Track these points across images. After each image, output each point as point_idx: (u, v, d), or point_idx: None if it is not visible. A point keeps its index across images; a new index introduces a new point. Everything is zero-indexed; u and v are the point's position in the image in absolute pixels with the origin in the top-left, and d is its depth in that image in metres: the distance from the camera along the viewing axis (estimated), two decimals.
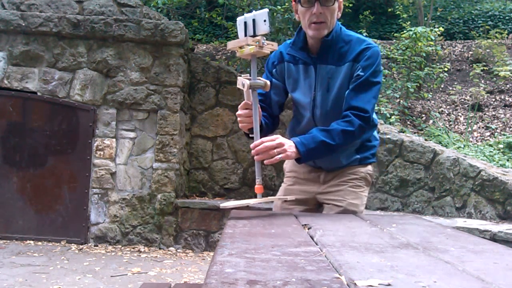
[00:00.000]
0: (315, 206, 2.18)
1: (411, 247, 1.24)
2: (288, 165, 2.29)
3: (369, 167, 2.18)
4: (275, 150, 1.77)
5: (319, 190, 2.15)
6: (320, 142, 1.86)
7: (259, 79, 1.84)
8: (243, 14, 1.83)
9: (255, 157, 1.80)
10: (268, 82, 1.84)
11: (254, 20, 1.78)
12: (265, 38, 1.80)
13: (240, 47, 1.80)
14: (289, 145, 1.81)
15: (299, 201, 2.16)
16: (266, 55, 1.88)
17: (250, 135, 1.93)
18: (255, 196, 1.87)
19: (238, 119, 1.95)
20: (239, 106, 1.93)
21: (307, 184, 2.17)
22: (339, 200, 2.08)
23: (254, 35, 1.79)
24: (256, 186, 1.83)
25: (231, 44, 1.83)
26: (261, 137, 1.84)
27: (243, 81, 1.82)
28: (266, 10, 1.79)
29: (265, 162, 1.79)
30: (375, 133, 2.18)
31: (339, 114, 1.97)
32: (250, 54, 1.80)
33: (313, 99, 2.05)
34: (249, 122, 1.91)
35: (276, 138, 1.79)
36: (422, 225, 1.72)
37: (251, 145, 1.81)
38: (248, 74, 1.86)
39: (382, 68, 2.07)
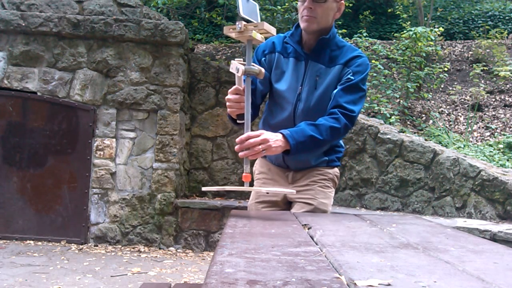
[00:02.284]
0: (286, 206, 2.21)
1: (411, 247, 1.24)
2: (257, 167, 2.29)
3: (336, 170, 2.24)
4: (259, 146, 1.75)
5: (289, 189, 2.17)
6: (309, 136, 1.87)
7: (254, 66, 1.78)
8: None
9: (240, 154, 1.78)
10: (263, 70, 1.80)
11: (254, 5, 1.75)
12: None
13: (234, 29, 1.73)
14: (275, 140, 1.80)
15: (271, 203, 2.18)
16: (260, 43, 1.82)
17: (238, 121, 1.92)
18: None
19: (227, 103, 1.90)
20: (229, 91, 1.89)
21: (276, 185, 2.19)
22: (310, 199, 2.12)
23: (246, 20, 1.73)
24: (244, 174, 1.80)
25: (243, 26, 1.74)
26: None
27: (237, 66, 1.76)
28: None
29: (248, 157, 1.78)
30: (341, 141, 2.26)
31: (319, 112, 2.02)
32: (251, 39, 1.73)
33: (298, 94, 2.07)
34: (238, 108, 1.88)
35: (261, 134, 1.77)
36: (422, 225, 1.72)
37: (237, 140, 1.77)
38: (242, 59, 1.81)
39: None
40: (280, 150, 1.82)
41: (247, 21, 1.74)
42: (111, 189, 5.56)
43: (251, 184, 1.87)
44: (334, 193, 2.24)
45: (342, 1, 2.07)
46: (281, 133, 1.84)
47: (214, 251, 1.11)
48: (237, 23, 1.72)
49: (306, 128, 1.89)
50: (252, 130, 1.81)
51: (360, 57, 2.06)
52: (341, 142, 2.26)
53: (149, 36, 5.54)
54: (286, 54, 2.11)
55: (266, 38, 1.87)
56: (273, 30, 1.77)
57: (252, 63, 1.80)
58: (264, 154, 1.80)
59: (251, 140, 1.75)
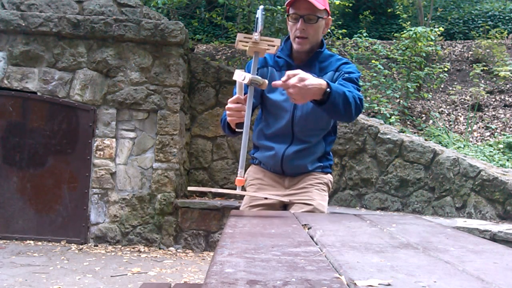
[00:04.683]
0: (281, 209, 2.24)
1: (411, 247, 1.24)
2: (250, 173, 2.33)
3: (330, 176, 2.30)
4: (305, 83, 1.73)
5: (286, 193, 2.21)
6: (344, 92, 1.86)
7: (258, 77, 1.84)
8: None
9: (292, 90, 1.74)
10: (266, 81, 1.85)
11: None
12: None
13: (246, 42, 1.79)
14: (314, 80, 1.78)
15: (266, 206, 2.20)
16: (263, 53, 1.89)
17: (237, 130, 1.96)
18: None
19: (228, 112, 1.94)
20: (230, 100, 1.93)
21: (271, 190, 2.22)
22: (309, 200, 2.17)
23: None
24: (237, 178, 1.82)
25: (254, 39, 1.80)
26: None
27: (244, 74, 1.81)
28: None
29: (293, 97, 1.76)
30: (331, 154, 2.33)
31: (316, 117, 2.10)
32: (259, 52, 1.80)
33: None
34: (238, 117, 1.92)
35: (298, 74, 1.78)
36: (422, 225, 1.72)
37: (289, 73, 1.75)
38: (244, 70, 1.87)
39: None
40: (317, 91, 1.77)
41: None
42: (111, 189, 5.55)
43: (243, 189, 1.91)
44: (328, 197, 2.30)
45: (329, 17, 2.17)
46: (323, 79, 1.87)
47: (214, 251, 1.11)
48: (254, 33, 1.78)
49: (341, 87, 1.90)
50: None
51: (348, 63, 2.16)
52: (331, 155, 2.33)
53: (149, 36, 5.54)
54: (278, 68, 2.19)
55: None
56: (277, 42, 1.84)
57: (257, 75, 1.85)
58: (302, 96, 1.76)
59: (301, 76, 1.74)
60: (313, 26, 2.09)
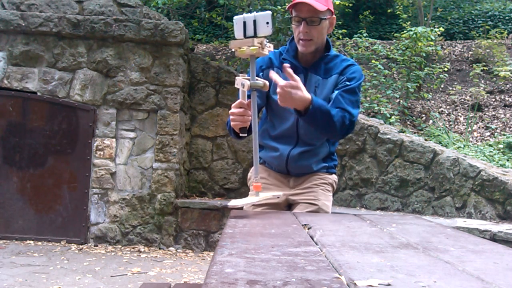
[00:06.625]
0: (286, 209, 2.25)
1: (411, 247, 1.24)
2: (254, 173, 2.32)
3: (334, 176, 2.32)
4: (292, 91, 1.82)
5: (290, 192, 2.22)
6: (328, 110, 1.95)
7: (258, 80, 1.85)
8: (242, 14, 1.85)
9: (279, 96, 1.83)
10: (267, 83, 1.86)
11: (254, 21, 1.79)
12: (267, 40, 1.85)
13: (239, 47, 1.82)
14: (300, 94, 1.87)
15: (271, 205, 2.21)
16: (264, 55, 1.91)
17: (241, 134, 1.96)
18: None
19: (231, 117, 1.94)
20: (233, 105, 1.94)
21: (276, 190, 2.22)
22: (314, 200, 2.17)
23: (255, 36, 1.80)
24: (254, 184, 1.87)
25: (234, 44, 1.84)
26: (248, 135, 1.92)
27: (242, 81, 1.82)
28: (269, 12, 1.82)
29: (281, 102, 1.86)
30: (335, 155, 2.35)
31: None
32: (250, 54, 1.82)
33: None
34: (241, 121, 1.92)
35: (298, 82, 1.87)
36: (422, 225, 1.72)
37: (291, 73, 1.83)
38: (246, 74, 1.88)
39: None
40: (299, 103, 1.87)
41: (250, 36, 1.81)
42: (111, 189, 5.55)
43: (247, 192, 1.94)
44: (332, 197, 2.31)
45: (333, 16, 2.16)
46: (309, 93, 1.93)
47: (214, 251, 1.11)
48: (264, 41, 1.80)
49: (327, 105, 1.99)
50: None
51: (353, 65, 2.16)
52: (336, 156, 2.35)
53: (149, 36, 5.54)
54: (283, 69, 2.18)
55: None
56: (271, 47, 1.87)
57: (257, 78, 1.87)
58: (284, 100, 1.85)
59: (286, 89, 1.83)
60: (317, 28, 2.07)
